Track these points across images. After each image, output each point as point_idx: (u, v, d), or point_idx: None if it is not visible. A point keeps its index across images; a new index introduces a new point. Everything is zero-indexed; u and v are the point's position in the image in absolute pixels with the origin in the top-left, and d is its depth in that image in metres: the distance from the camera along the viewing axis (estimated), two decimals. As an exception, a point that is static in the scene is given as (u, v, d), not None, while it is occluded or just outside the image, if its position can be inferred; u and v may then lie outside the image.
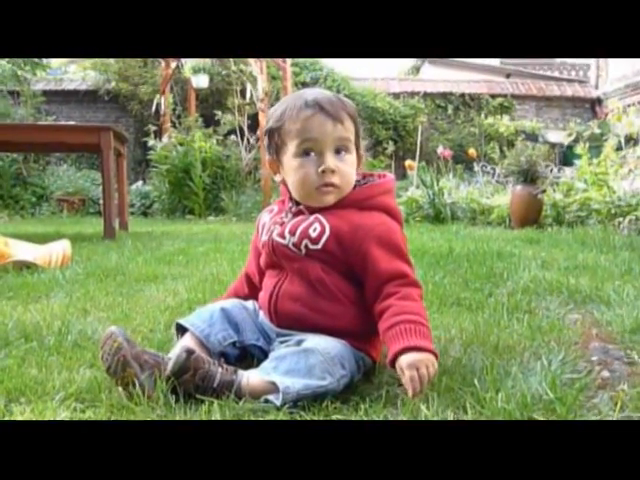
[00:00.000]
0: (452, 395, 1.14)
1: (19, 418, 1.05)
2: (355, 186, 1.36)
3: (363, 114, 10.41)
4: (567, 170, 8.13)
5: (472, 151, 8.69)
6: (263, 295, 1.39)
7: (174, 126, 9.07)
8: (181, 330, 1.34)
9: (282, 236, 1.32)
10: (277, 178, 1.40)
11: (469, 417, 1.06)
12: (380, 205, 1.34)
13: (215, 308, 1.36)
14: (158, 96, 9.42)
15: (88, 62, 11.13)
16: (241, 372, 1.16)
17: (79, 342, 1.52)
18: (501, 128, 11.36)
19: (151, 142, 8.59)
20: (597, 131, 8.93)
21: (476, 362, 1.34)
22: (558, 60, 16.28)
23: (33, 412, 1.07)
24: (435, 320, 1.69)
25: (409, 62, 17.10)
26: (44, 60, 10.00)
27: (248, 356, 1.34)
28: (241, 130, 8.87)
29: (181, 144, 8.21)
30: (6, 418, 1.06)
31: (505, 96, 12.30)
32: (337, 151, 1.29)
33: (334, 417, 1.07)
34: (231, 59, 9.31)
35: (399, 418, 1.07)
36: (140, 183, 9.78)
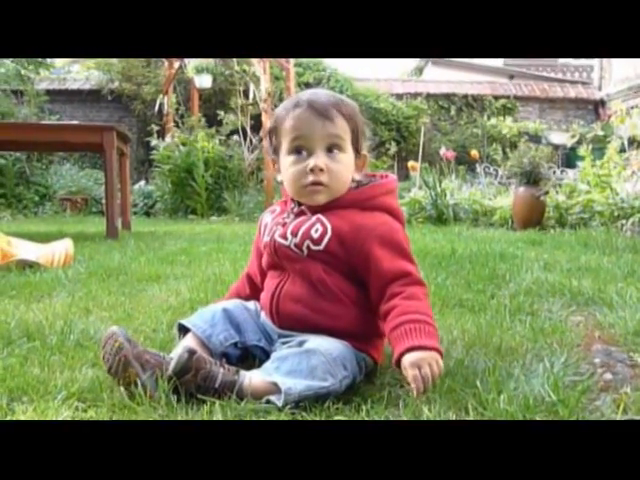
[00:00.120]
0: (454, 396, 1.14)
1: (21, 417, 1.05)
2: (357, 186, 1.36)
3: (366, 115, 10.35)
4: (570, 172, 8.14)
5: (475, 152, 8.68)
6: (265, 296, 1.39)
7: (177, 126, 9.07)
8: (183, 330, 1.34)
9: (284, 237, 1.32)
10: (279, 178, 1.40)
11: (471, 419, 1.05)
12: (382, 205, 1.34)
13: (217, 309, 1.36)
14: (161, 96, 9.43)
15: (92, 62, 11.16)
16: (243, 372, 1.16)
17: (81, 341, 1.52)
18: (504, 129, 11.35)
19: (154, 142, 8.59)
20: (600, 133, 8.93)
21: (478, 364, 1.34)
22: (561, 61, 16.28)
23: (35, 411, 1.07)
24: (437, 321, 1.67)
25: (412, 63, 17.11)
26: (48, 59, 10.04)
27: (250, 357, 1.34)
28: (244, 130, 8.87)
29: (184, 144, 8.21)
30: (8, 417, 1.06)
31: (508, 97, 12.29)
32: (329, 150, 1.29)
33: (336, 418, 1.07)
34: (234, 59, 9.31)
35: (401, 419, 1.07)
36: (143, 183, 9.79)
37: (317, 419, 1.06)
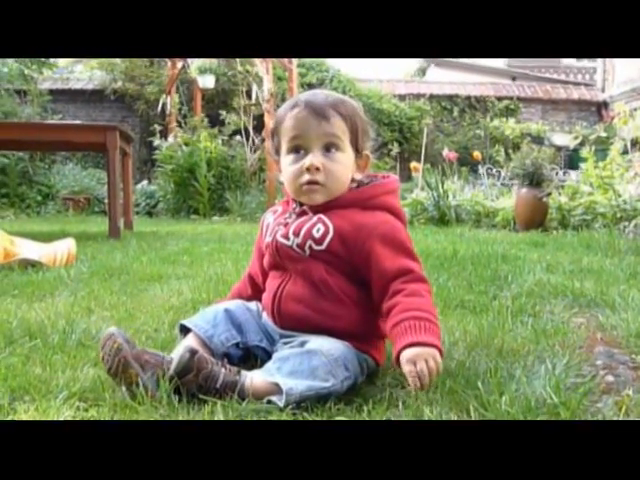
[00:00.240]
0: (455, 398, 1.14)
1: (23, 416, 1.05)
2: (358, 186, 1.36)
3: (368, 116, 10.37)
4: (572, 173, 8.13)
5: (477, 153, 8.68)
6: (266, 296, 1.39)
7: (180, 126, 9.09)
8: (185, 331, 1.34)
9: (286, 237, 1.32)
10: (281, 178, 1.40)
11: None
12: (383, 205, 1.34)
13: (219, 309, 1.36)
14: (164, 96, 9.44)
15: (95, 61, 11.17)
16: (244, 373, 1.16)
17: (83, 341, 1.52)
18: (507, 131, 11.35)
19: (157, 142, 8.61)
20: (603, 134, 8.92)
21: (480, 365, 1.33)
22: (564, 63, 16.26)
23: (37, 410, 1.07)
24: (439, 323, 1.68)
25: (415, 64, 17.10)
26: (51, 59, 10.04)
27: (251, 357, 1.34)
28: (246, 131, 8.88)
29: (186, 144, 8.22)
30: (10, 416, 1.06)
31: (511, 99, 12.29)
32: (327, 149, 1.30)
33: (337, 419, 1.07)
34: (237, 60, 9.32)
35: (402, 419, 1.06)
36: (145, 183, 9.80)
37: (318, 419, 1.06)
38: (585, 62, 16.84)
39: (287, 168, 1.32)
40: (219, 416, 1.06)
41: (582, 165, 6.21)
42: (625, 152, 5.88)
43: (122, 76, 11.08)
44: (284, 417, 1.06)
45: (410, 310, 1.18)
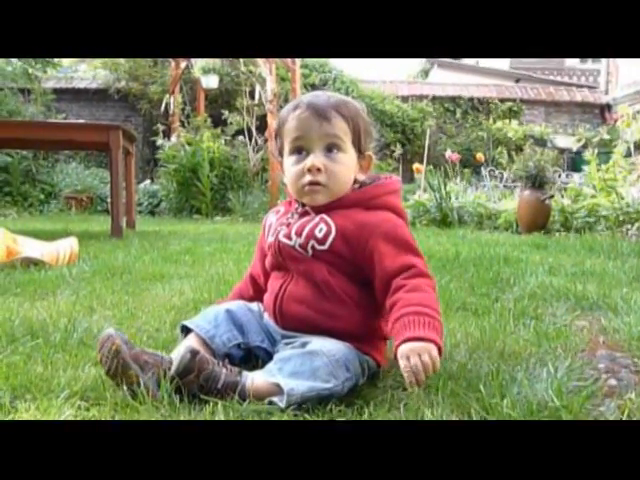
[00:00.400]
0: (457, 400, 1.14)
1: (24, 415, 1.05)
2: (361, 187, 1.36)
3: (371, 117, 10.38)
4: (575, 176, 8.13)
5: (480, 155, 8.67)
6: (268, 297, 1.39)
7: (183, 126, 9.10)
8: (186, 331, 1.34)
9: (288, 237, 1.32)
10: (285, 179, 1.40)
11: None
12: (385, 204, 1.34)
13: (220, 309, 1.36)
14: (167, 96, 9.45)
15: (98, 61, 11.18)
16: (245, 373, 1.16)
17: (85, 340, 1.52)
18: (509, 133, 11.34)
19: (160, 141, 8.62)
20: (606, 137, 8.91)
21: (481, 367, 1.33)
22: (568, 65, 16.25)
23: (38, 409, 1.07)
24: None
25: (418, 65, 17.10)
26: (55, 58, 10.06)
27: (253, 358, 1.34)
28: (249, 131, 8.89)
29: (189, 144, 8.23)
30: (11, 415, 1.06)
31: (514, 100, 12.28)
32: (329, 150, 1.30)
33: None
34: (241, 60, 9.33)
35: (402, 419, 1.06)
36: (148, 182, 9.82)
37: (319, 420, 1.06)
38: (588, 64, 16.84)
39: (289, 169, 1.33)
40: (220, 416, 1.06)
41: (585, 167, 6.22)
42: (628, 155, 5.88)
43: (126, 76, 11.09)
44: (285, 418, 1.06)
45: (410, 306, 1.17)
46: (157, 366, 1.14)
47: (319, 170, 1.28)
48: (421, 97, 12.12)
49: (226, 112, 9.01)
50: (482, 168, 8.69)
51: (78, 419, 1.06)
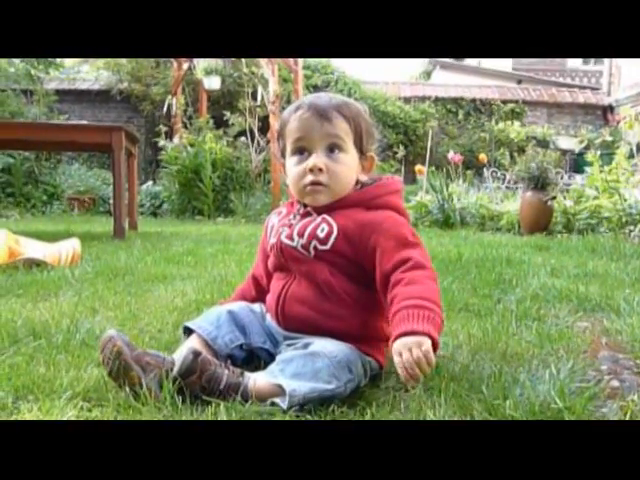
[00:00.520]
0: (459, 401, 1.14)
1: (26, 415, 1.06)
2: (362, 187, 1.36)
3: (373, 118, 10.39)
4: (578, 177, 8.12)
5: (483, 156, 8.66)
6: (270, 298, 1.39)
7: (185, 127, 9.10)
8: (188, 332, 1.34)
9: (290, 238, 1.32)
10: (287, 181, 1.40)
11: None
12: (387, 204, 1.34)
13: (222, 311, 1.36)
14: (170, 97, 9.46)
15: (101, 62, 11.21)
16: (248, 374, 1.16)
17: (87, 341, 1.53)
18: (512, 134, 11.33)
19: (162, 143, 8.62)
20: (608, 138, 8.90)
21: (484, 369, 1.33)
22: (570, 66, 16.24)
23: (40, 410, 1.07)
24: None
25: (420, 66, 17.11)
26: (57, 59, 10.08)
27: (255, 359, 1.34)
28: (251, 132, 8.89)
29: (192, 145, 8.23)
30: (13, 415, 1.06)
31: (516, 102, 12.28)
32: (331, 150, 1.30)
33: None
34: (243, 61, 9.34)
35: (404, 419, 1.06)
36: (150, 183, 9.82)
37: (321, 420, 1.06)
38: (591, 66, 16.83)
39: (291, 169, 1.33)
40: (222, 417, 1.06)
41: (587, 169, 6.21)
42: (631, 156, 5.86)
43: (128, 77, 11.11)
44: (287, 419, 1.06)
45: (406, 299, 1.15)
46: (159, 367, 1.15)
47: (321, 170, 1.29)
48: (423, 98, 12.12)
49: (228, 113, 9.01)
50: (484, 169, 8.68)
51: (81, 420, 1.06)
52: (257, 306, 1.43)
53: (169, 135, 8.99)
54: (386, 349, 1.36)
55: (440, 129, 11.90)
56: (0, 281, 2.38)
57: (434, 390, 1.19)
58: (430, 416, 1.07)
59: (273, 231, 1.39)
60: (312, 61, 11.49)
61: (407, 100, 12.01)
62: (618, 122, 9.59)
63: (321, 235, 1.29)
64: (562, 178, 7.28)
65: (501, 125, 11.64)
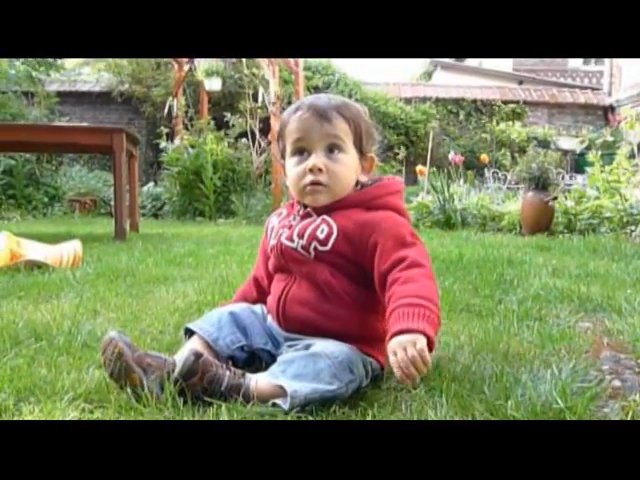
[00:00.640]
0: (461, 402, 1.13)
1: (28, 417, 1.06)
2: (362, 187, 1.36)
3: (374, 119, 10.39)
4: (579, 177, 8.11)
5: (484, 157, 8.66)
6: (271, 299, 1.39)
7: (186, 128, 9.11)
8: (189, 334, 1.34)
9: (290, 239, 1.32)
10: (287, 182, 1.40)
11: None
12: (387, 205, 1.34)
13: (223, 312, 1.36)
14: (171, 98, 9.46)
15: (102, 64, 11.22)
16: (249, 375, 1.16)
17: (88, 342, 1.53)
18: (513, 134, 11.32)
19: (163, 144, 8.63)
20: (609, 139, 8.89)
21: (485, 369, 1.33)
22: (571, 67, 16.24)
23: (42, 412, 1.07)
24: (444, 326, 1.68)
25: (421, 67, 17.10)
26: (58, 61, 10.10)
27: (256, 360, 1.34)
28: (252, 133, 8.89)
29: (192, 146, 8.24)
30: (15, 417, 1.06)
31: (517, 102, 12.27)
32: (330, 150, 1.30)
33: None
34: (244, 62, 9.34)
35: (405, 419, 1.06)
36: (151, 185, 9.83)
37: (323, 420, 1.06)
38: (591, 66, 16.83)
39: (291, 170, 1.33)
40: (224, 418, 1.06)
41: (588, 169, 6.20)
42: (632, 156, 5.86)
43: (129, 78, 11.12)
44: (289, 419, 1.06)
45: (401, 298, 1.15)
46: (160, 368, 1.15)
47: (320, 170, 1.29)
48: (424, 99, 12.11)
49: (229, 115, 9.02)
50: (485, 170, 8.67)
51: (83, 420, 1.06)
52: (258, 307, 1.43)
53: (170, 137, 9.00)
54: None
55: (441, 130, 11.89)
56: (1, 283, 2.38)
57: (435, 390, 1.19)
58: (431, 416, 1.07)
59: (273, 232, 1.39)
60: (313, 62, 11.49)
61: (408, 101, 12.00)
62: (619, 122, 9.58)
63: (321, 236, 1.29)
64: (563, 178, 7.28)
65: (502, 126, 11.63)
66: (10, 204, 8.94)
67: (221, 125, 9.13)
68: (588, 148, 8.74)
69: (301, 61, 8.49)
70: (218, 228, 6.51)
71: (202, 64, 9.10)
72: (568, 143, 10.67)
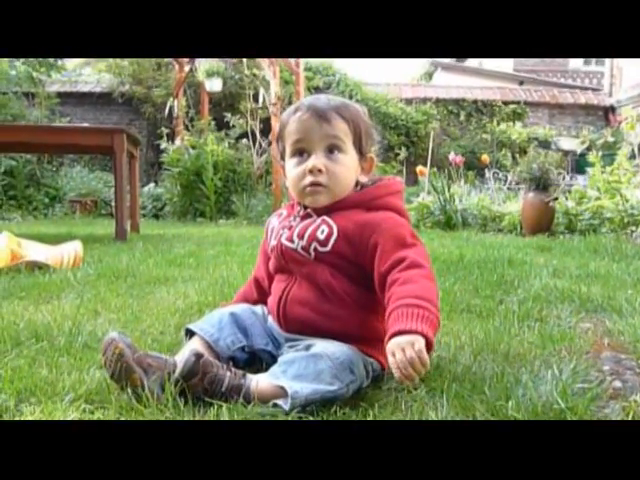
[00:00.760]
0: (462, 402, 1.13)
1: (29, 418, 1.05)
2: (362, 188, 1.36)
3: (375, 119, 10.43)
4: (579, 178, 8.11)
5: (485, 157, 8.66)
6: (272, 300, 1.39)
7: (187, 129, 9.11)
8: (190, 335, 1.34)
9: (290, 240, 1.32)
10: (287, 183, 1.40)
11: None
12: (387, 205, 1.33)
13: (224, 313, 1.36)
14: (171, 99, 9.46)
15: (103, 64, 11.22)
16: (250, 376, 1.16)
17: (89, 343, 1.53)
18: (513, 135, 11.32)
19: (164, 145, 8.63)
20: (610, 139, 8.88)
21: (486, 370, 1.33)
22: (571, 67, 16.25)
23: (43, 413, 1.07)
24: (445, 327, 1.68)
25: (422, 68, 17.11)
26: (59, 62, 10.10)
27: (257, 361, 1.35)
28: (253, 134, 8.90)
29: (193, 147, 8.24)
30: (16, 418, 1.06)
31: (518, 103, 12.27)
32: (330, 151, 1.30)
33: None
34: (244, 63, 9.35)
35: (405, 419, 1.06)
36: (152, 185, 9.83)
37: (324, 420, 1.06)
38: (592, 67, 16.84)
39: (291, 171, 1.33)
40: (224, 419, 1.06)
41: (589, 170, 6.19)
42: (632, 157, 5.86)
43: (130, 79, 11.12)
44: (290, 419, 1.06)
45: (400, 299, 1.15)
46: (161, 369, 1.15)
47: (320, 171, 1.29)
48: (425, 100, 12.11)
49: (230, 115, 9.03)
50: (486, 170, 8.67)
51: (84, 420, 1.06)
52: (259, 308, 1.43)
53: (171, 137, 9.00)
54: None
55: (442, 130, 11.90)
56: (2, 284, 2.38)
57: (436, 391, 1.19)
58: (432, 417, 1.07)
59: (274, 233, 1.39)
60: (313, 63, 11.49)
61: (409, 101, 12.00)
62: (620, 123, 9.57)
63: (321, 237, 1.29)
64: (564, 179, 7.27)
65: (503, 126, 11.63)
66: (11, 205, 8.95)
67: (222, 126, 9.13)
68: (589, 149, 8.73)
69: (302, 62, 8.50)
70: (219, 229, 6.51)
71: (203, 65, 9.10)
72: (569, 144, 10.66)
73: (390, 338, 1.10)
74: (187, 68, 9.29)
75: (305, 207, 1.36)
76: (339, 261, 1.29)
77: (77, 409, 1.09)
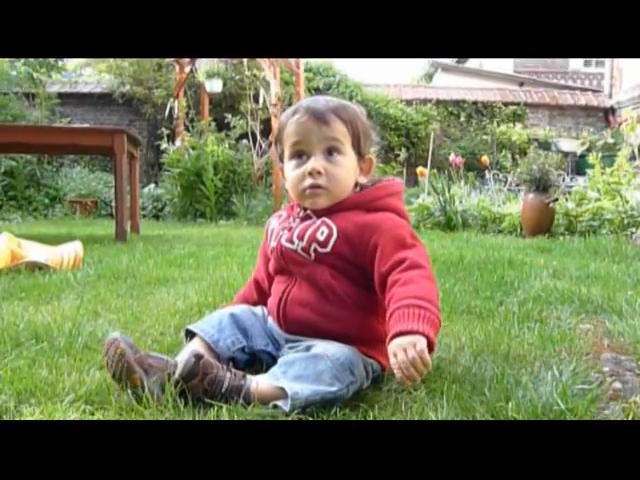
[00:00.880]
0: (462, 403, 1.13)
1: (29, 419, 1.05)
2: (362, 189, 1.36)
3: (375, 120, 10.43)
4: (580, 179, 8.10)
5: (485, 158, 8.66)
6: (272, 301, 1.39)
7: (187, 130, 9.11)
8: (190, 335, 1.34)
9: (290, 241, 1.32)
10: (286, 185, 1.40)
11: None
12: (387, 206, 1.33)
13: (224, 314, 1.36)
14: (172, 100, 9.46)
15: (103, 65, 11.22)
16: (250, 377, 1.16)
17: (89, 344, 1.53)
18: (514, 136, 11.33)
19: (164, 145, 8.63)
20: (610, 140, 8.88)
21: (486, 371, 1.33)
22: (572, 69, 16.25)
23: (43, 414, 1.07)
24: (445, 328, 1.68)
25: (422, 69, 17.13)
26: (59, 62, 10.11)
27: (257, 361, 1.35)
28: (253, 135, 8.90)
29: (193, 148, 8.24)
30: (16, 419, 1.06)
31: (518, 104, 12.27)
32: (329, 153, 1.30)
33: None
34: (245, 64, 9.35)
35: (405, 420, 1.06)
36: (152, 186, 9.82)
37: (324, 420, 1.06)
38: (592, 68, 16.85)
39: (290, 173, 1.33)
40: (224, 420, 1.06)
41: (589, 171, 6.19)
42: (632, 158, 5.86)
43: (130, 80, 11.11)
44: (290, 420, 1.06)
45: (401, 299, 1.15)
46: (162, 370, 1.15)
47: (320, 173, 1.29)
48: (425, 101, 12.12)
49: (230, 116, 9.03)
50: (486, 172, 8.67)
51: (85, 420, 1.06)
52: (259, 309, 1.43)
53: (171, 138, 9.00)
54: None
55: (442, 131, 11.90)
56: (2, 284, 2.38)
57: (436, 392, 1.19)
58: (432, 418, 1.07)
59: (273, 234, 1.39)
60: (314, 63, 11.50)
61: (409, 103, 12.00)
62: (620, 124, 9.57)
63: (321, 238, 1.29)
64: (564, 180, 7.28)
65: (503, 127, 11.63)
66: (11, 205, 8.95)
67: (222, 126, 9.13)
68: (589, 150, 8.74)
69: (302, 62, 8.51)
70: (219, 229, 6.51)
71: (203, 65, 9.10)
72: (569, 145, 10.67)
73: (391, 339, 1.10)
74: (187, 69, 9.30)
75: (305, 208, 1.36)
76: (339, 262, 1.28)
77: (77, 410, 1.09)
